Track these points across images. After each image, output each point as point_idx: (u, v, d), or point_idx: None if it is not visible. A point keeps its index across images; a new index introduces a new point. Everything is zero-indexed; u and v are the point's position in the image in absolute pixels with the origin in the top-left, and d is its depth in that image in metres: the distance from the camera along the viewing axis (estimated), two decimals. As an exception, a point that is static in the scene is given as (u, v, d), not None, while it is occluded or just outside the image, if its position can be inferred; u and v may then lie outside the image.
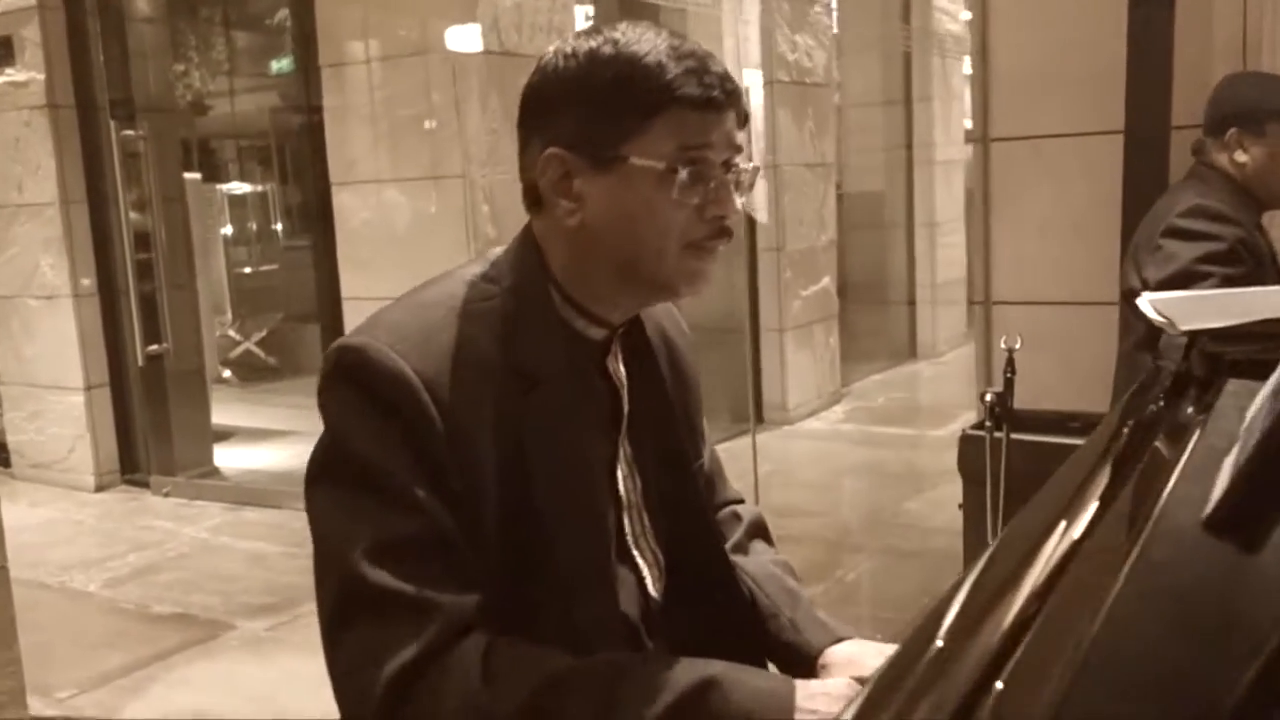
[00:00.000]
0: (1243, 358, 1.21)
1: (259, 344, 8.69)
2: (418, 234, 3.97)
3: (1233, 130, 2.28)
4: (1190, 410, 1.26)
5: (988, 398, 2.51)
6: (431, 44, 3.85)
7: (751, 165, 1.09)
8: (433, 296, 1.07)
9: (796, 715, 0.94)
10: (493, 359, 1.03)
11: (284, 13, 7.97)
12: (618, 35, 1.04)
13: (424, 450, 0.98)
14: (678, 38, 1.05)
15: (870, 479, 5.17)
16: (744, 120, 1.08)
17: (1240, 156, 2.29)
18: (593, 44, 1.04)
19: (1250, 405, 1.06)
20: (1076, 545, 0.84)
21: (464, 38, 3.82)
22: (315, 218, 4.50)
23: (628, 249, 1.06)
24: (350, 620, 0.97)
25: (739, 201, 1.08)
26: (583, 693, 0.95)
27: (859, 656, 1.12)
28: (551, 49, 1.08)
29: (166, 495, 5.09)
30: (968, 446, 2.83)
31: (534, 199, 1.10)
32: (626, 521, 1.15)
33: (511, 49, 3.99)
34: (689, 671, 0.97)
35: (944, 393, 6.92)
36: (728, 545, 1.28)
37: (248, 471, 5.52)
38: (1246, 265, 2.13)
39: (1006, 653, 0.65)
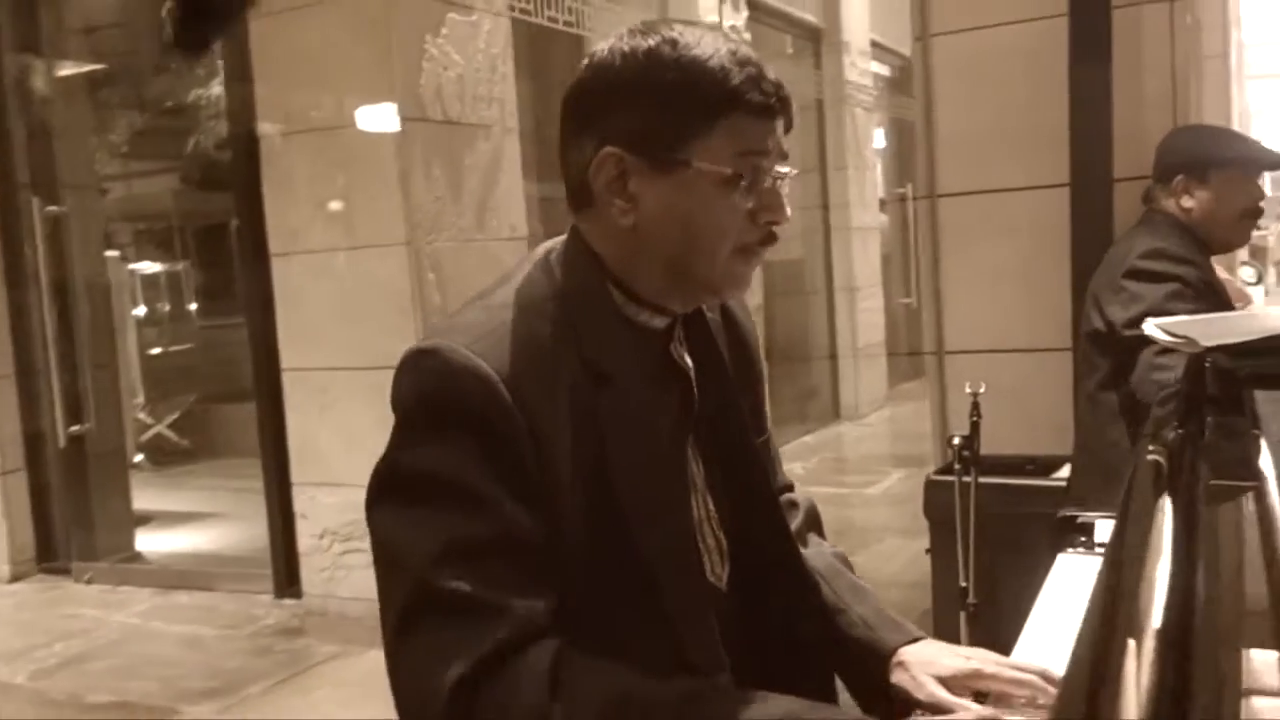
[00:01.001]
0: (1262, 371, 1.27)
1: (171, 426, 8.44)
2: (362, 302, 3.92)
3: (1180, 177, 2.42)
4: (1218, 427, 1.31)
5: (955, 441, 2.57)
6: (374, 113, 3.85)
7: (792, 171, 1.09)
8: (499, 298, 1.06)
9: None
10: (564, 356, 1.02)
11: (198, 92, 7.90)
12: (677, 36, 1.02)
13: (505, 449, 0.97)
14: (733, 42, 1.05)
15: (812, 538, 5.20)
16: (789, 127, 1.08)
17: (1187, 202, 2.42)
18: (651, 43, 1.02)
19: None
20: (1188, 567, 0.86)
21: (408, 107, 3.83)
22: (243, 292, 4.42)
23: (680, 251, 1.05)
24: (415, 625, 0.94)
25: (788, 208, 1.08)
26: (654, 716, 0.93)
27: (936, 657, 1.12)
28: (605, 45, 1.05)
29: (89, 582, 4.87)
30: (934, 492, 2.88)
31: (581, 198, 1.08)
32: (693, 506, 1.13)
33: (454, 118, 4.02)
34: (764, 708, 0.95)
35: (871, 453, 7.04)
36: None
37: (172, 555, 5.32)
38: (1208, 301, 2.24)
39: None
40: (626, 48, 1.03)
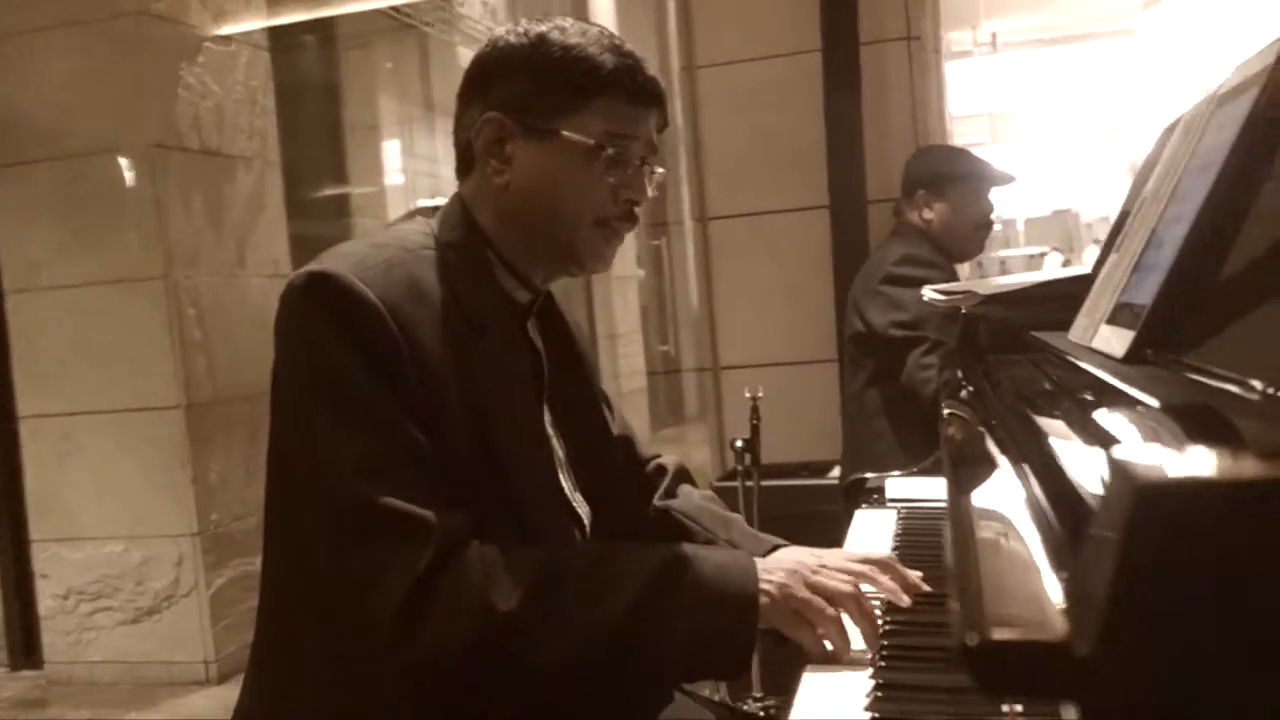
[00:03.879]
0: (1037, 316, 1.42)
1: None
2: (115, 340, 3.67)
3: (921, 192, 2.66)
4: (987, 370, 1.45)
5: (738, 444, 2.68)
6: (128, 141, 3.65)
7: (661, 170, 1.19)
8: (383, 239, 1.11)
9: (760, 579, 1.03)
10: (444, 301, 1.07)
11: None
12: (566, 25, 1.14)
13: (394, 374, 1.00)
14: (618, 37, 1.15)
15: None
16: (663, 125, 1.19)
17: (928, 214, 2.66)
18: (543, 28, 1.14)
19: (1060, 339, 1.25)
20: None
21: (164, 135, 3.66)
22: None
23: (547, 214, 1.13)
24: (351, 538, 0.98)
25: (650, 192, 1.18)
26: (574, 577, 1.01)
27: (795, 555, 1.20)
28: (504, 29, 1.17)
29: None
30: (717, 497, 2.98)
31: (465, 161, 1.17)
32: (561, 476, 1.19)
33: (213, 148, 3.87)
34: (663, 550, 1.05)
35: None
36: (659, 493, 1.36)
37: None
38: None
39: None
40: (522, 29, 1.15)
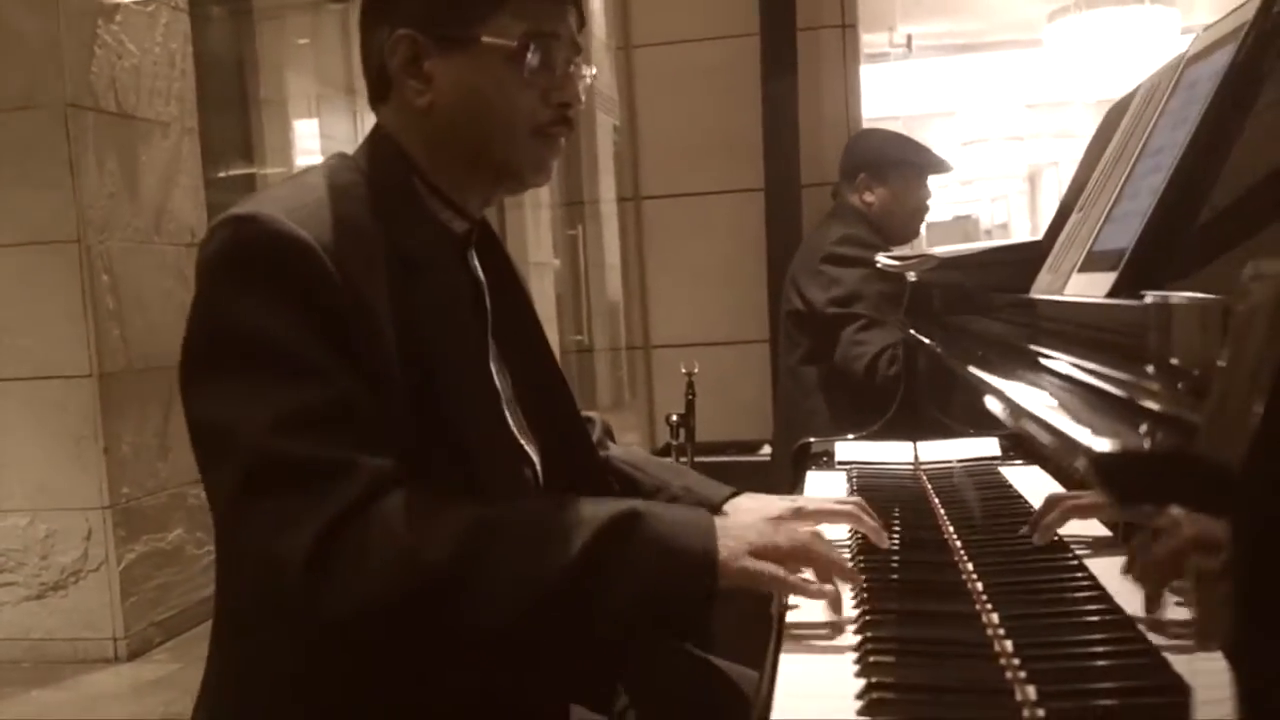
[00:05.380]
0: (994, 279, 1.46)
1: None
2: (21, 305, 3.53)
3: (862, 175, 2.72)
4: (948, 326, 1.49)
5: (673, 418, 2.70)
6: (40, 99, 3.51)
7: (591, 72, 1.14)
8: (309, 180, 1.05)
9: (719, 541, 0.94)
10: (377, 239, 1.02)
11: None
12: None
13: (329, 315, 0.95)
14: None
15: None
16: (581, 24, 1.13)
17: (868, 197, 2.72)
18: None
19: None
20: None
21: (79, 94, 3.53)
22: None
23: (477, 130, 1.07)
24: (260, 492, 0.90)
25: (581, 96, 1.12)
26: (512, 529, 0.94)
27: (763, 503, 1.20)
28: None
29: None
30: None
31: (380, 87, 1.10)
32: (508, 415, 1.14)
33: (130, 111, 3.75)
34: (612, 505, 0.97)
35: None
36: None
37: None
38: (894, 283, 2.52)
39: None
40: None
